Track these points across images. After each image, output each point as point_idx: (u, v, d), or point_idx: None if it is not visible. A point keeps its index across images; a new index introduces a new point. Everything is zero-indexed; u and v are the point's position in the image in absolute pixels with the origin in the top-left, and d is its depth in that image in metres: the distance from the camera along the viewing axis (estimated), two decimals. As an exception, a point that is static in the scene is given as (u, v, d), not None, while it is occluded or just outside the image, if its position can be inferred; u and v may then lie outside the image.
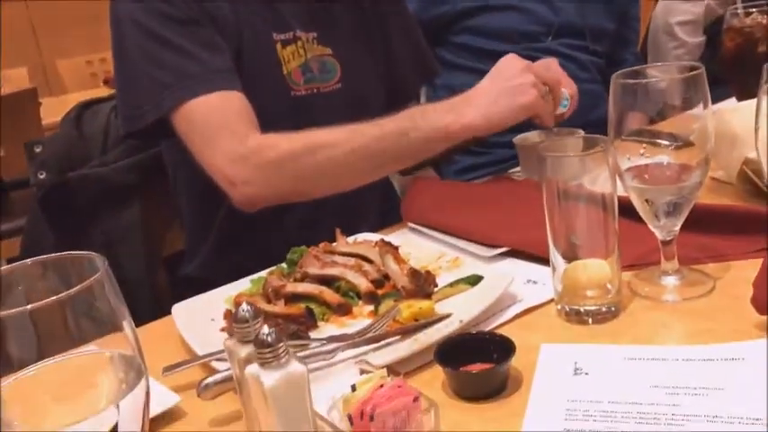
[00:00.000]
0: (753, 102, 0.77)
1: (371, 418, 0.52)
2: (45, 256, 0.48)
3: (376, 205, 1.25)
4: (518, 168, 1.22)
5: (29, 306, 0.42)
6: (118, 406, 0.44)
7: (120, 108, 1.13)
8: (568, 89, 1.15)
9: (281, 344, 0.49)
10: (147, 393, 0.48)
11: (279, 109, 1.13)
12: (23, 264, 0.48)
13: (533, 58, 1.51)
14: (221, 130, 1.02)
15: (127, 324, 0.48)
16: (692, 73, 0.73)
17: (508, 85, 1.05)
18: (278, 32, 1.14)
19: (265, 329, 0.49)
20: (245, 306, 0.53)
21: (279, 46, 1.13)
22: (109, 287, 0.47)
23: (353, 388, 0.55)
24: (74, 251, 0.48)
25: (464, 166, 1.60)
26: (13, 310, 0.42)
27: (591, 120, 1.23)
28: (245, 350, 0.53)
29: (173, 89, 1.04)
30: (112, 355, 0.47)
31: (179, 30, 1.05)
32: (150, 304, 1.28)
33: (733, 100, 1.17)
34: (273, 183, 1.02)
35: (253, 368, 0.50)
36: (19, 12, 3.05)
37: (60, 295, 0.43)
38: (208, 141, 1.03)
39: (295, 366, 0.49)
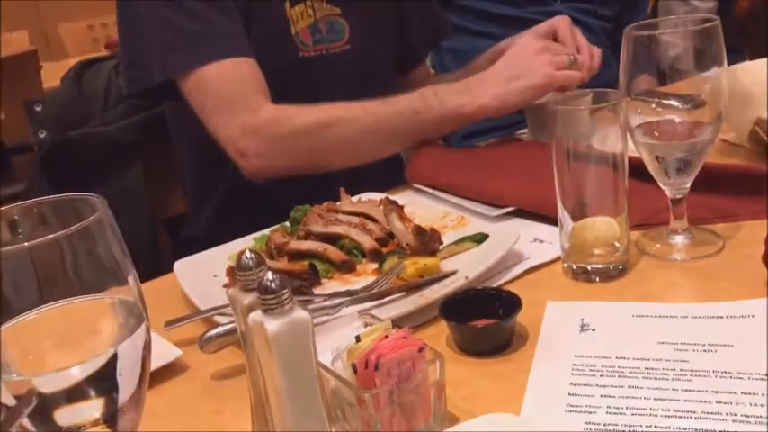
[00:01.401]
0: (766, 60, 0.76)
1: (376, 368, 0.51)
2: (43, 198, 0.47)
3: (381, 169, 1.24)
4: (525, 130, 1.20)
5: (26, 244, 0.41)
6: (116, 349, 0.44)
7: (124, 68, 1.11)
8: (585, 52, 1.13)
9: (286, 290, 0.48)
10: (148, 342, 0.47)
11: (287, 70, 1.11)
12: (21, 205, 0.47)
13: (539, 23, 1.49)
14: (235, 100, 1.01)
15: (131, 275, 0.47)
16: (707, 24, 0.71)
17: (523, 67, 1.04)
18: None
19: (269, 275, 0.48)
20: (248, 253, 0.52)
21: (287, 5, 1.11)
22: (109, 230, 0.46)
23: (358, 339, 0.55)
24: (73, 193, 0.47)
25: (470, 130, 1.57)
26: (11, 248, 0.41)
27: (599, 83, 1.21)
28: (248, 298, 0.52)
29: (182, 52, 1.02)
30: (113, 301, 0.46)
31: None
32: (152, 265, 1.27)
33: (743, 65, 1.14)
34: (285, 156, 1.02)
35: (256, 315, 0.49)
36: (19, -25, 3.02)
37: (59, 233, 0.42)
38: (220, 111, 1.02)
39: (299, 313, 0.48)
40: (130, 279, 0.47)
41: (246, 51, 1.04)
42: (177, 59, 1.02)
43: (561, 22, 1.15)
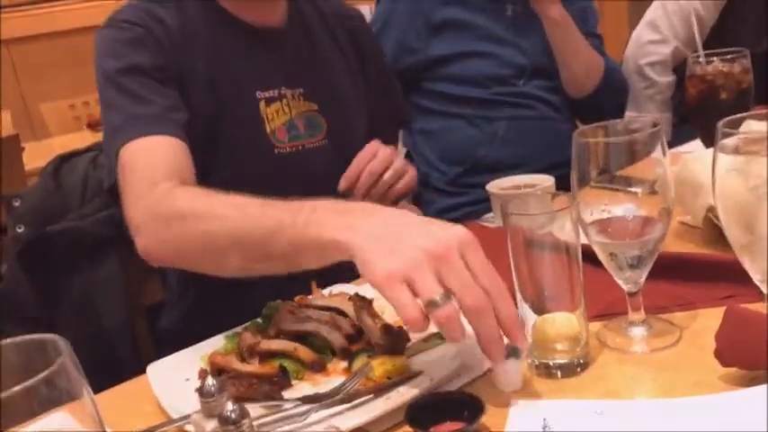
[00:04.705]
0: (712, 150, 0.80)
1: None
2: (9, 341, 0.49)
3: None
4: (491, 214, 1.24)
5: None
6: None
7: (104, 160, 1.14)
8: None
9: (246, 420, 0.50)
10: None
11: (262, 166, 1.14)
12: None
13: (506, 103, 1.55)
14: (140, 175, 0.99)
15: (87, 398, 0.49)
16: (651, 130, 0.75)
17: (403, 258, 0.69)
18: (262, 90, 1.14)
19: (229, 406, 0.50)
20: (210, 380, 0.54)
21: (262, 104, 1.14)
22: (71, 368, 0.48)
23: (320, 458, 0.56)
24: (37, 334, 0.49)
25: (442, 206, 1.62)
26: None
27: (564, 160, 1.26)
28: (210, 424, 0.53)
29: (117, 133, 1.04)
30: (75, 437, 0.48)
31: (134, 78, 1.06)
32: (132, 356, 1.28)
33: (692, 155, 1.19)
34: (161, 240, 0.93)
35: (218, 444, 0.51)
36: (2, 56, 3.07)
37: (22, 385, 0.44)
38: (127, 186, 1.00)
39: (259, 442, 0.50)
40: (86, 399, 0.49)
41: (172, 131, 1.03)
42: (116, 142, 1.04)
43: None
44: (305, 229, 0.77)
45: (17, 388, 0.43)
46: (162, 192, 0.96)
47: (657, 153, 0.77)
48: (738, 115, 0.71)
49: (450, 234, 0.70)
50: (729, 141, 0.69)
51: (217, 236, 0.87)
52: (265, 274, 0.85)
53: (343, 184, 1.13)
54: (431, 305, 0.66)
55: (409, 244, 0.69)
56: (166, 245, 0.93)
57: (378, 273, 0.68)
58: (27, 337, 0.49)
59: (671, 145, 1.46)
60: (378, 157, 1.12)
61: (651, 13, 1.84)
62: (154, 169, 0.99)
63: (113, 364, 1.24)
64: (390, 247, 0.69)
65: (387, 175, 1.13)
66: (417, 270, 0.67)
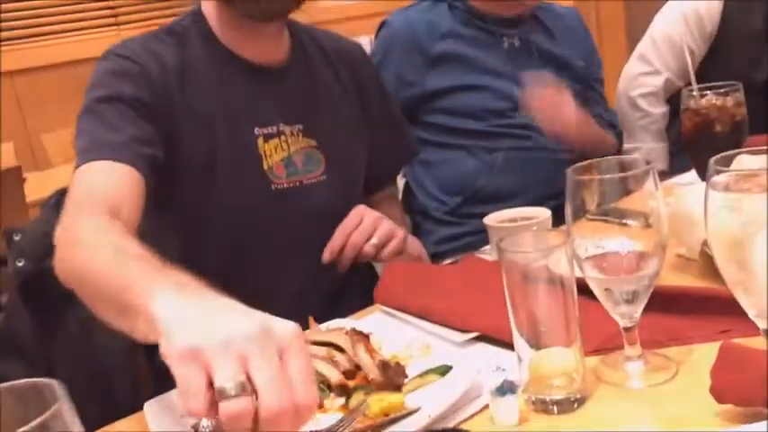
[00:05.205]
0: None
1: None
2: (6, 385, 0.50)
3: (359, 290, 1.25)
4: (488, 247, 1.24)
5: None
6: None
7: None
8: None
9: (240, 463, 0.50)
10: None
11: (259, 201, 1.14)
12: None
13: (504, 134, 1.57)
14: (72, 196, 0.98)
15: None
16: (644, 167, 0.76)
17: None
18: (260, 127, 1.15)
19: (224, 449, 0.50)
20: (204, 421, 0.54)
21: (261, 141, 1.15)
22: (67, 413, 0.48)
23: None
24: (33, 378, 0.50)
25: (441, 236, 1.62)
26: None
27: (562, 190, 1.26)
28: (206, 467, 0.53)
29: (79, 157, 1.03)
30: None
31: (112, 106, 1.06)
32: (131, 390, 1.28)
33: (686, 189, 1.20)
34: (61, 263, 0.89)
35: (212, 487, 0.51)
36: (5, 87, 3.10)
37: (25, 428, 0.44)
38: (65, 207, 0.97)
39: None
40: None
41: (129, 160, 1.00)
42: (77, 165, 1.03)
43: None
44: (137, 297, 0.67)
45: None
46: (73, 217, 0.93)
47: (650, 187, 0.77)
48: (731, 152, 0.72)
49: (278, 327, 0.58)
50: (720, 178, 0.70)
51: (84, 273, 0.81)
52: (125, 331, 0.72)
53: (326, 255, 1.13)
54: (220, 394, 0.54)
55: (225, 326, 0.57)
56: (65, 270, 0.88)
57: (173, 345, 0.57)
58: (23, 381, 0.50)
59: (669, 174, 1.47)
60: (362, 226, 1.12)
61: (641, 47, 1.87)
62: (86, 193, 0.97)
63: (112, 399, 1.23)
64: (200, 325, 0.58)
65: (370, 244, 1.12)
66: (220, 352, 0.55)
